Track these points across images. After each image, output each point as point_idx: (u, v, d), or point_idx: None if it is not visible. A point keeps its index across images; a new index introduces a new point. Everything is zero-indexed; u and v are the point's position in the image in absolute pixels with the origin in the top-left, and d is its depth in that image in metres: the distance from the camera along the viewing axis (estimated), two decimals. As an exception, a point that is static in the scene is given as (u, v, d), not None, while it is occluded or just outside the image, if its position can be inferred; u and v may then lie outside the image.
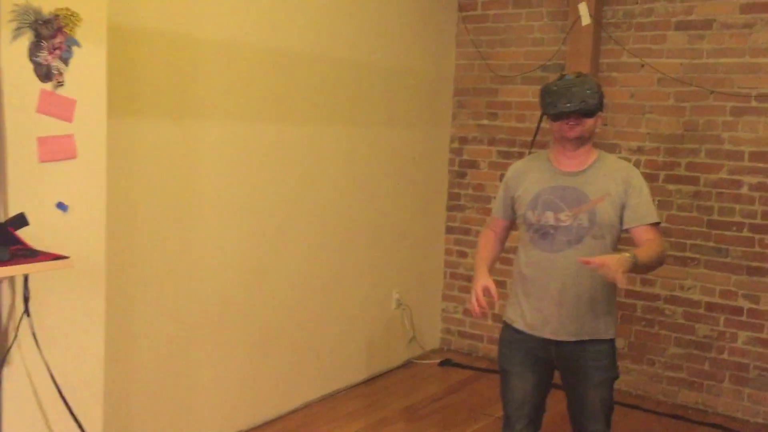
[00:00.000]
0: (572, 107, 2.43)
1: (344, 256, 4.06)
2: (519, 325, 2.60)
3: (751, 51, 3.79)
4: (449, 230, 4.86)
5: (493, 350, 4.71)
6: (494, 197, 4.60)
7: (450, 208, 4.85)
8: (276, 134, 3.55)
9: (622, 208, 2.52)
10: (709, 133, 3.93)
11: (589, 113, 2.46)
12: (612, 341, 2.58)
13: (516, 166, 2.69)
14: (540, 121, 2.70)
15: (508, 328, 2.67)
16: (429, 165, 4.67)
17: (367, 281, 4.26)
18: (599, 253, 2.48)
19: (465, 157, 4.76)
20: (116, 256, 2.75)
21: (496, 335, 4.83)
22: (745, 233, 3.86)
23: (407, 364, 4.63)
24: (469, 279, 4.75)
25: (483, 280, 2.50)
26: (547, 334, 2.54)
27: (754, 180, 3.83)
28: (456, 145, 4.79)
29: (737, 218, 3.87)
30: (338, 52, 3.84)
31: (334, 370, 4.06)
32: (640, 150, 4.14)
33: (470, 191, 4.75)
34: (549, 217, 2.50)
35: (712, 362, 4.01)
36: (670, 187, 4.04)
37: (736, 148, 3.87)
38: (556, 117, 2.47)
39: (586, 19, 4.10)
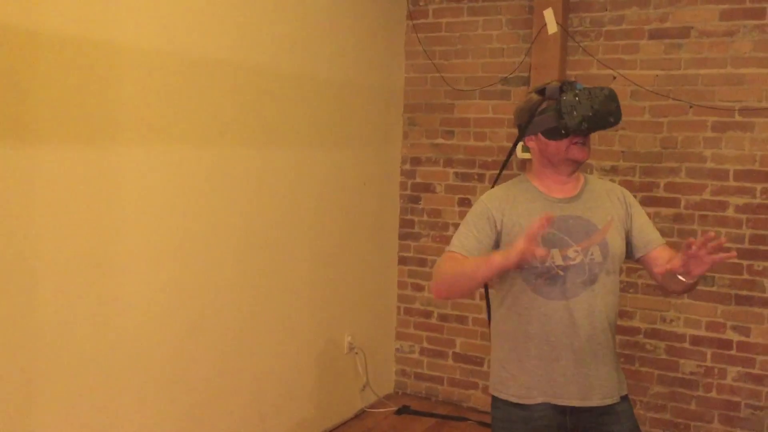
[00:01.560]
0: (615, 120, 2.05)
1: (289, 298, 3.51)
2: (522, 399, 2.11)
3: (732, 61, 3.49)
4: (402, 261, 4.38)
5: (455, 393, 4.30)
6: (453, 225, 4.19)
7: (403, 237, 4.37)
8: (209, 158, 2.99)
9: (627, 233, 2.16)
10: (689, 150, 3.60)
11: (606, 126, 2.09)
12: (628, 396, 2.18)
13: (495, 195, 2.16)
14: (519, 139, 2.19)
15: (501, 404, 2.15)
16: (379, 189, 4.18)
17: (315, 324, 3.72)
18: (614, 291, 2.12)
19: (418, 179, 4.30)
20: (6, 318, 2.13)
21: (458, 376, 4.43)
22: (732, 259, 3.53)
23: (360, 415, 4.10)
24: (426, 315, 4.29)
25: (513, 244, 1.87)
26: (568, 400, 2.07)
27: (740, 201, 3.51)
28: (408, 166, 4.33)
29: (723, 243, 3.54)
30: (275, 63, 3.32)
31: None
32: (614, 170, 3.77)
33: (425, 217, 4.29)
34: (555, 256, 2.04)
35: (699, 401, 3.65)
36: (649, 209, 3.66)
37: (719, 166, 3.55)
38: (573, 133, 2.01)
39: (552, 27, 3.72)
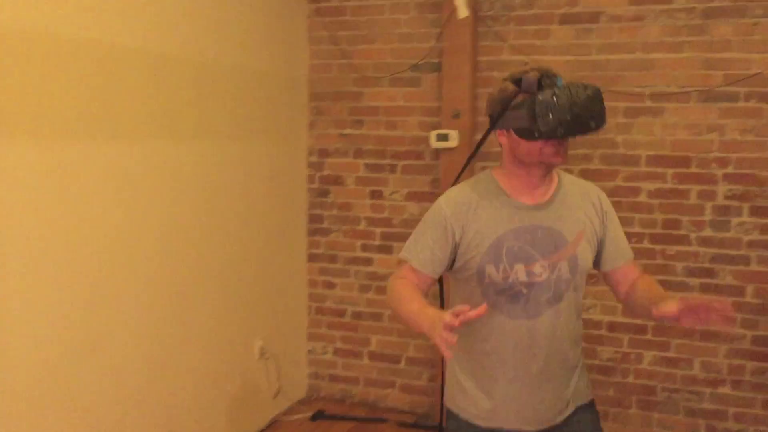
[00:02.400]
0: (597, 125, 1.77)
1: (194, 305, 3.22)
2: (477, 419, 1.94)
3: (642, 46, 3.48)
4: (312, 258, 4.16)
5: (372, 393, 4.14)
6: (365, 218, 4.02)
7: (312, 233, 4.15)
8: (98, 153, 2.66)
9: (599, 243, 1.95)
10: (602, 136, 3.57)
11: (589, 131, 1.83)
12: (594, 402, 2.03)
13: (454, 198, 1.90)
14: (487, 134, 1.94)
15: (457, 419, 1.98)
16: (285, 183, 3.94)
17: (223, 331, 3.44)
18: (578, 308, 1.94)
19: (327, 172, 4.09)
20: None
21: (374, 376, 4.26)
22: (646, 244, 3.54)
23: (273, 424, 3.85)
24: (339, 313, 4.10)
25: (442, 314, 1.60)
26: (522, 425, 1.91)
27: (652, 186, 3.52)
28: (315, 158, 4.10)
29: (636, 228, 3.54)
30: (168, 50, 3.01)
31: (189, 449, 3.21)
32: (528, 158, 3.70)
33: (335, 212, 4.09)
34: (520, 272, 1.83)
35: (617, 387, 3.65)
36: (562, 197, 3.64)
37: (631, 152, 3.54)
38: (547, 137, 1.74)
39: (463, 12, 3.59)
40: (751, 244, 3.40)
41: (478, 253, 1.84)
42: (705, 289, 3.48)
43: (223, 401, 3.45)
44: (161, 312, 3.00)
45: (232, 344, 3.52)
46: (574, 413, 1.94)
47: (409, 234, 3.96)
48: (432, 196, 3.85)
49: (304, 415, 3.95)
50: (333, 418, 3.94)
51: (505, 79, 1.87)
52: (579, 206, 1.92)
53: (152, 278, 2.94)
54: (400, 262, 1.96)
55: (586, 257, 1.90)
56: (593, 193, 1.98)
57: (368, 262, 4.03)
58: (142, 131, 2.86)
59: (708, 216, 3.43)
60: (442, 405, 2.07)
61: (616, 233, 1.98)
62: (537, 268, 1.84)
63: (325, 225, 4.11)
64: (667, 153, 3.49)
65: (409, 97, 3.87)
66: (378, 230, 4.00)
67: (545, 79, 1.77)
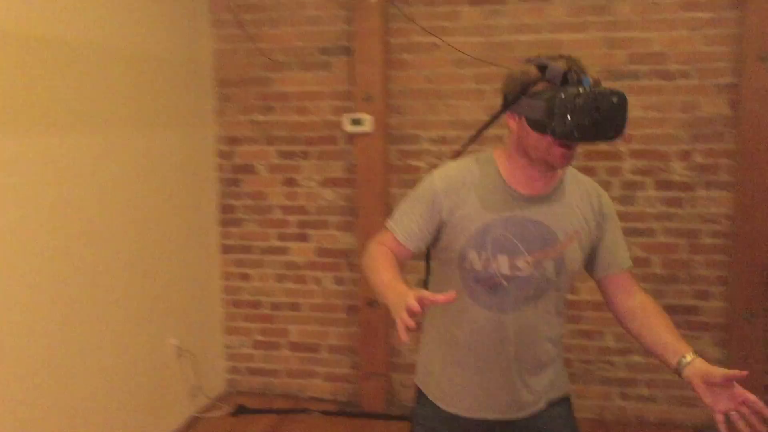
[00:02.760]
0: (616, 135, 1.63)
1: (104, 305, 3.05)
2: (444, 404, 1.89)
3: (549, 26, 3.54)
4: (225, 249, 4.03)
5: (293, 384, 4.07)
6: (280, 207, 3.92)
7: (224, 224, 4.01)
8: (-8, 148, 2.46)
9: (593, 248, 1.84)
10: (513, 116, 3.61)
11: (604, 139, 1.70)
12: (569, 398, 1.96)
13: (449, 174, 1.78)
14: (499, 115, 1.81)
15: (425, 399, 1.91)
16: (193, 173, 3.78)
17: (136, 330, 3.28)
18: (556, 308, 1.85)
19: (237, 160, 3.96)
20: None
21: (294, 366, 4.19)
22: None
23: (193, 423, 3.72)
24: (256, 305, 3.99)
25: (407, 295, 1.49)
26: (492, 414, 1.86)
27: (562, 164, 3.60)
28: (225, 147, 3.97)
29: (549, 206, 3.62)
30: (60, 32, 2.82)
31: (105, 456, 3.05)
32: (442, 140, 3.70)
33: (247, 201, 3.97)
34: (502, 264, 1.74)
35: (535, 362, 3.74)
36: (477, 178, 3.67)
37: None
38: (561, 137, 1.61)
39: (372, -7, 3.54)
40: (657, 217, 3.54)
41: (462, 236, 1.75)
42: (615, 262, 3.59)
43: (138, 402, 3.30)
44: (65, 311, 2.82)
45: (145, 343, 3.36)
46: (547, 408, 1.89)
47: (325, 222, 3.93)
48: (348, 182, 3.81)
49: (225, 411, 3.84)
50: (255, 412, 3.84)
51: (529, 61, 1.73)
52: (577, 205, 1.81)
53: (55, 276, 2.76)
54: (385, 229, 1.85)
55: (574, 259, 1.80)
56: (594, 193, 1.85)
57: (284, 251, 3.95)
58: (36, 123, 2.66)
59: (617, 192, 3.54)
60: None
61: (614, 239, 1.86)
62: (521, 263, 1.74)
63: (237, 215, 3.99)
64: (575, 131, 3.56)
65: (320, 81, 3.80)
66: (293, 218, 3.91)
67: (572, 73, 1.63)
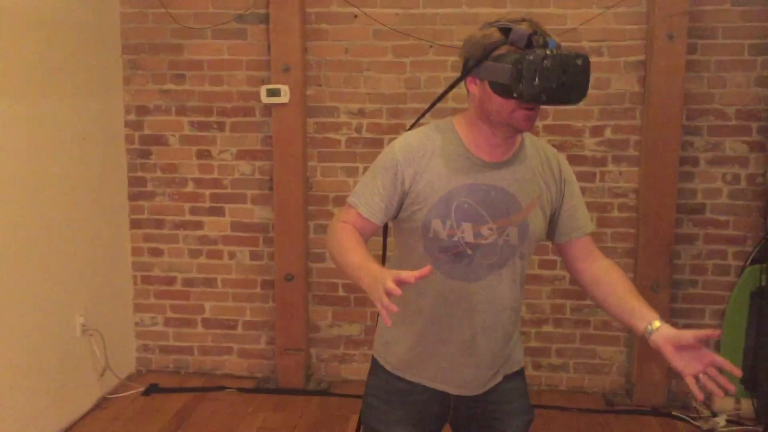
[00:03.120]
0: (578, 98, 1.63)
1: (4, 281, 2.87)
2: (402, 372, 1.85)
3: (468, 1, 3.54)
4: (135, 224, 3.87)
5: (208, 362, 3.97)
6: (193, 179, 3.79)
7: (133, 197, 3.85)
8: None
9: (554, 213, 1.83)
10: (432, 90, 3.60)
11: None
12: (523, 370, 1.95)
13: (411, 143, 1.74)
14: (459, 80, 1.75)
15: (381, 371, 1.88)
16: (100, 144, 3.60)
17: (40, 308, 3.11)
18: (522, 277, 1.84)
19: (147, 131, 3.79)
20: None
21: (209, 343, 4.08)
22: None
23: (102, 404, 3.58)
24: (168, 281, 3.87)
25: (384, 277, 1.47)
26: (447, 387, 1.84)
27: (480, 139, 3.63)
28: (133, 117, 3.79)
29: (466, 180, 3.65)
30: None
31: (7, 442, 2.89)
32: (361, 113, 3.66)
33: (158, 173, 3.82)
34: (467, 232, 1.71)
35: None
36: (395, 151, 3.66)
37: (460, 105, 3.60)
38: (528, 100, 1.59)
39: (289, -41, 3.44)
40: (569, 191, 3.62)
41: (426, 205, 1.71)
42: (529, 235, 3.67)
43: (43, 384, 3.14)
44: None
45: (50, 322, 3.20)
46: (502, 382, 1.88)
47: (241, 195, 3.83)
48: (264, 154, 3.72)
49: (136, 391, 3.71)
50: (168, 391, 3.74)
51: (490, 24, 1.69)
52: (538, 171, 1.80)
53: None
54: (347, 205, 1.79)
55: (537, 226, 1.79)
56: (554, 158, 1.85)
57: (198, 225, 3.83)
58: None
59: (531, 166, 3.60)
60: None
61: (574, 203, 1.85)
62: (485, 230, 1.72)
63: (148, 188, 3.83)
64: (492, 106, 3.60)
65: (235, 50, 3.67)
66: (207, 192, 3.80)
67: (536, 36, 1.61)
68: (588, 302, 3.67)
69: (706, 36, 3.43)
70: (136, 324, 3.95)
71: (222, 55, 3.69)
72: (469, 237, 1.72)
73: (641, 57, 3.49)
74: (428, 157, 1.72)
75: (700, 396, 1.61)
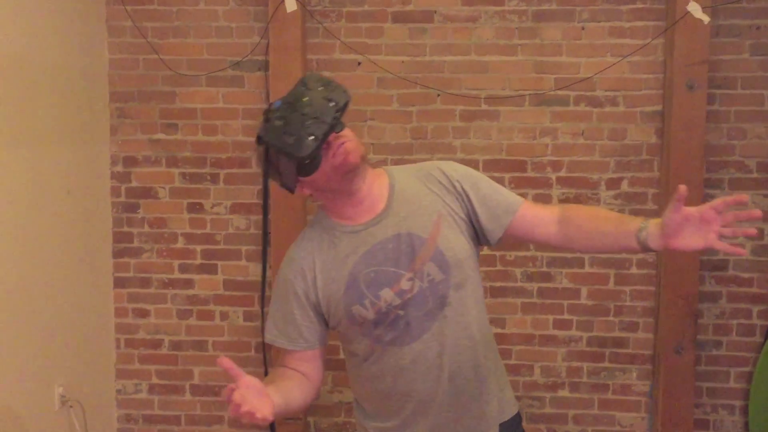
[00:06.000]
0: (323, 131, 1.59)
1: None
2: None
3: (476, 48, 3.39)
4: (119, 283, 3.59)
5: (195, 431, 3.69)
6: (183, 234, 3.54)
7: (118, 254, 3.58)
8: None
9: (470, 217, 1.70)
10: (439, 141, 3.43)
11: (337, 123, 1.65)
12: (520, 418, 1.82)
13: (291, 257, 1.70)
14: (267, 201, 1.93)
15: None
16: (84, 198, 3.35)
17: (16, 379, 2.81)
18: (475, 304, 1.69)
19: (134, 183, 3.55)
20: None
21: (198, 412, 3.78)
22: (486, 251, 3.45)
23: (81, 482, 3.25)
24: (155, 344, 3.64)
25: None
26: None
27: (490, 191, 3.44)
28: (120, 168, 3.55)
29: (476, 235, 3.45)
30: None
31: None
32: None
33: (146, 228, 3.56)
34: (388, 297, 1.61)
35: (461, 400, 3.53)
36: (400, 205, 3.45)
37: (469, 156, 3.44)
38: (311, 150, 1.57)
39: (291, 5, 3.28)
40: (585, 247, 3.44)
41: (339, 300, 1.63)
42: (542, 293, 3.46)
43: (17, 466, 2.82)
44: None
45: (26, 393, 2.89)
46: (505, 428, 1.73)
47: (235, 251, 3.59)
48: (261, 208, 3.49)
49: (117, 467, 3.39)
50: (152, 466, 3.43)
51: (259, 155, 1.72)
52: (423, 193, 1.69)
53: None
54: (275, 347, 1.73)
55: (455, 246, 1.66)
56: (432, 169, 1.75)
57: (188, 284, 3.56)
58: None
59: (545, 220, 3.42)
60: None
61: (485, 193, 1.73)
62: (404, 284, 1.61)
63: (134, 244, 3.57)
64: (503, 157, 3.43)
65: (230, 98, 3.47)
66: (198, 248, 3.54)
67: (264, 116, 1.64)
68: (607, 365, 3.46)
69: (724, 86, 3.31)
70: (118, 391, 3.64)
71: (217, 103, 3.48)
72: (395, 300, 1.61)
73: (658, 107, 3.35)
74: (312, 258, 1.65)
75: (742, 251, 1.50)
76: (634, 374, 3.47)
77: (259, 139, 1.62)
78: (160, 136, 3.52)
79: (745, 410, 3.37)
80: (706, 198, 3.30)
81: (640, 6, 3.31)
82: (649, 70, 3.34)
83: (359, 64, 3.43)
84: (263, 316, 3.51)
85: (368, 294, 1.60)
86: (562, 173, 3.42)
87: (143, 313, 3.60)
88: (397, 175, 1.75)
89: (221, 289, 3.56)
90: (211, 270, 3.55)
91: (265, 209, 3.34)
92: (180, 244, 3.55)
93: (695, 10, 3.12)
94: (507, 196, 1.76)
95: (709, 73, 3.24)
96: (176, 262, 3.56)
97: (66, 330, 3.19)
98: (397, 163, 3.44)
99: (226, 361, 1.42)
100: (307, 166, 1.58)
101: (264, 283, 3.33)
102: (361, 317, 1.63)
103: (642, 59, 3.33)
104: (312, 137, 1.55)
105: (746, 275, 3.37)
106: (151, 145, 3.52)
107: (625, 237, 1.58)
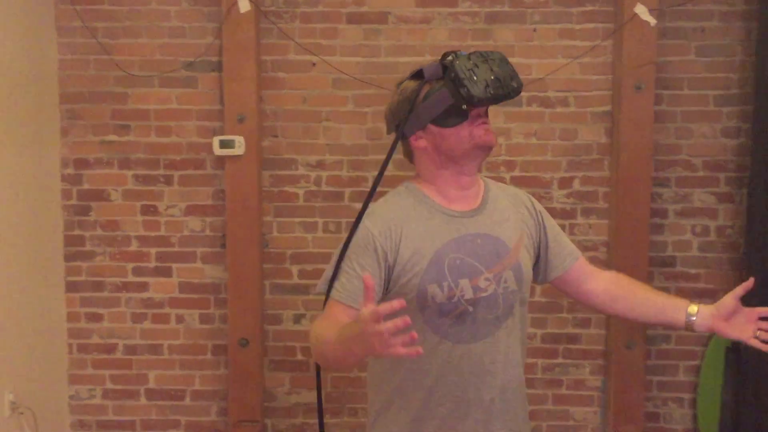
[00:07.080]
0: (519, 86, 1.66)
1: None
2: None
3: (430, 48, 3.41)
4: (71, 287, 3.53)
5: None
6: (137, 237, 3.49)
7: (70, 257, 3.52)
8: None
9: (538, 249, 1.76)
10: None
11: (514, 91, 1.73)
12: None
13: (382, 215, 1.67)
14: (396, 143, 1.76)
15: None
16: (33, 201, 3.28)
17: (-39, 388, 2.75)
18: (525, 326, 1.73)
19: (86, 186, 3.50)
20: None
21: (153, 417, 3.72)
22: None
23: (32, 491, 3.19)
24: (108, 349, 3.58)
25: (358, 318, 1.32)
26: None
27: (445, 191, 3.47)
28: (71, 170, 3.49)
29: (432, 235, 3.48)
30: None
31: None
32: (320, 165, 3.46)
33: (98, 231, 3.51)
34: (465, 288, 1.59)
35: (419, 399, 3.56)
36: (356, 205, 3.46)
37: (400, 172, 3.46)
38: (478, 104, 1.58)
39: (245, 5, 3.26)
40: (538, 245, 3.49)
41: (417, 273, 1.59)
42: (498, 291, 3.50)
43: (-35, 476, 2.76)
44: None
45: (-26, 403, 2.83)
46: None
47: (190, 254, 3.56)
48: (216, 209, 3.47)
49: (71, 475, 3.34)
50: (107, 472, 3.37)
51: (398, 84, 1.73)
52: (512, 211, 1.74)
53: None
54: (333, 300, 1.62)
55: (528, 265, 1.71)
56: (523, 196, 1.83)
57: (142, 287, 3.52)
58: None
59: (499, 219, 3.46)
60: None
61: (558, 232, 1.83)
62: (482, 282, 1.61)
63: (87, 248, 3.51)
64: (458, 157, 3.46)
65: (184, 99, 3.44)
66: (153, 250, 3.50)
67: (446, 59, 1.64)
68: (560, 360, 3.52)
69: (671, 87, 3.40)
70: (71, 397, 3.58)
71: (170, 104, 3.45)
72: (469, 293, 1.61)
73: (608, 107, 3.42)
74: (404, 224, 1.63)
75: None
76: (587, 369, 3.53)
77: (445, 68, 1.62)
78: (113, 137, 3.47)
79: (693, 403, 3.46)
80: (653, 196, 3.39)
81: (590, 8, 3.38)
82: (599, 71, 3.41)
83: (314, 65, 3.43)
84: (219, 319, 3.50)
85: (449, 278, 1.60)
86: (516, 173, 3.46)
87: (96, 318, 3.54)
88: (491, 184, 1.81)
89: (176, 292, 3.52)
90: (166, 273, 3.51)
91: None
92: (134, 246, 3.50)
93: (642, 12, 3.20)
94: (571, 243, 1.88)
95: (657, 74, 3.32)
96: (130, 265, 3.51)
97: (16, 335, 3.12)
98: (354, 163, 3.46)
99: (368, 278, 1.33)
100: (457, 108, 1.59)
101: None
102: (433, 299, 1.59)
103: (592, 60, 3.40)
104: (515, 84, 1.64)
105: (693, 271, 3.47)
106: (103, 147, 3.47)
107: (673, 311, 1.70)
